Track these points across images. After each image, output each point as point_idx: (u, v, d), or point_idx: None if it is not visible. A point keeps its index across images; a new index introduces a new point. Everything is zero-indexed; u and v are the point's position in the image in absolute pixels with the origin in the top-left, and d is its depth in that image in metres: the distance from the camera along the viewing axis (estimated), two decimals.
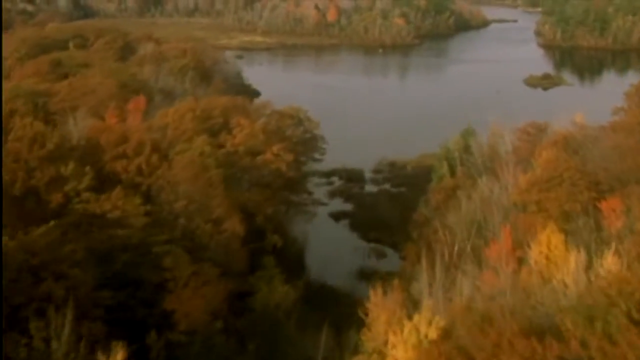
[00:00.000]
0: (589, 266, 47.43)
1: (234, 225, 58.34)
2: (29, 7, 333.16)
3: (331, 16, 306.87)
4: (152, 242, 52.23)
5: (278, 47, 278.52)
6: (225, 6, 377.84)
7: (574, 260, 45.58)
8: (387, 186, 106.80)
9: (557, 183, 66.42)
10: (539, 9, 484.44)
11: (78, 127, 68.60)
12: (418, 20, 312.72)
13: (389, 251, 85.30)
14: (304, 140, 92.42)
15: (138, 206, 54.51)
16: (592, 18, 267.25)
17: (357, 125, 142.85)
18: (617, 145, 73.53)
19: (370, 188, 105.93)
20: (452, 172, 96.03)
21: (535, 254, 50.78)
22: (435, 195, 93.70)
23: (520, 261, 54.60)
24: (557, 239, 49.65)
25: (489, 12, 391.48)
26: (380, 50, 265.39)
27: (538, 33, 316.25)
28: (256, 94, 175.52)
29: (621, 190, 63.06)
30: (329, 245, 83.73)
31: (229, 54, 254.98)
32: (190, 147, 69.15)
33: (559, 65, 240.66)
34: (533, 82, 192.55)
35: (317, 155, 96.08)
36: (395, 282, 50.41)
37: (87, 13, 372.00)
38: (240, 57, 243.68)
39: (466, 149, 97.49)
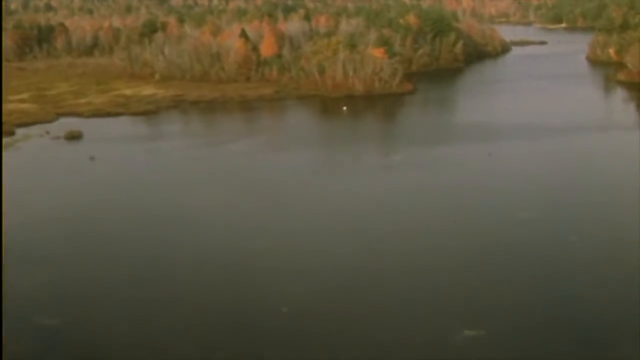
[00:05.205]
0: None
1: None
2: None
3: (267, 49, 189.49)
4: None
5: (176, 104, 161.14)
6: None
7: None
8: None
9: None
10: (563, 25, 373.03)
11: None
12: (407, 48, 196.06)
13: None
14: None
15: None
16: None
17: None
18: None
19: None
20: None
21: None
22: None
23: None
24: None
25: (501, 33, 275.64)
26: (345, 109, 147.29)
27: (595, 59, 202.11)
28: None
29: None
30: None
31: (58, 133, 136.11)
32: None
33: None
34: None
35: None
36: None
37: None
38: (92, 157, 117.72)
39: None
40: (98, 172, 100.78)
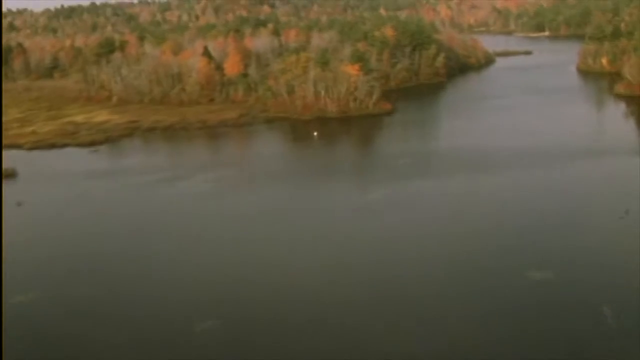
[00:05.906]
0: None
1: None
2: None
3: (232, 67, 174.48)
4: None
5: (130, 132, 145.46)
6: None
7: None
8: None
9: None
10: (546, 33, 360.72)
11: None
12: (385, 63, 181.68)
13: None
14: None
15: None
16: None
17: None
18: None
19: None
20: None
21: None
22: None
23: None
24: None
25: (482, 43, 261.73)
26: (316, 134, 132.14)
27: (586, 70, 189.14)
28: None
29: None
30: None
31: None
32: None
33: None
34: None
35: None
36: None
37: None
38: (19, 203, 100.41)
39: None
40: (19, 226, 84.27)
